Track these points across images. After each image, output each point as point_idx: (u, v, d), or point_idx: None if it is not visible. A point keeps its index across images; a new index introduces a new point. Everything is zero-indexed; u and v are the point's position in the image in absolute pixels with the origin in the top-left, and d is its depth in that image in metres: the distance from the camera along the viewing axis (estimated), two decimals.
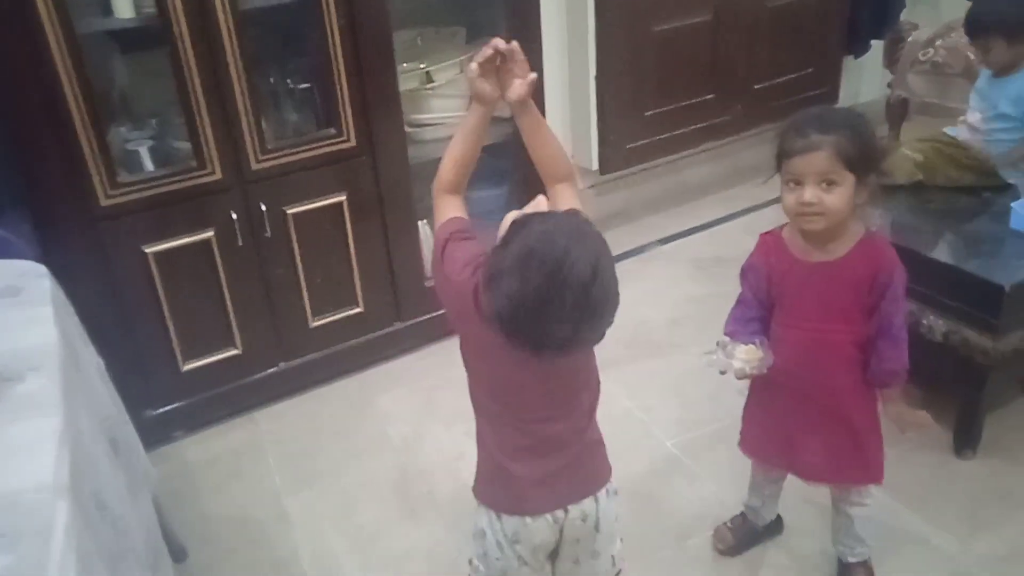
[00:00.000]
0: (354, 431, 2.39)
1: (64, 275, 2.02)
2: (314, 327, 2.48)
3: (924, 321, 2.04)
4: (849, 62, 3.79)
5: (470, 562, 1.41)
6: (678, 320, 2.75)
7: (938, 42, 3.21)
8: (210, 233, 2.23)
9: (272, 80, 2.33)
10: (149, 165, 2.20)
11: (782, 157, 1.47)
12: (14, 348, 1.18)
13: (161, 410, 2.34)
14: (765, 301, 1.62)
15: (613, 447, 2.19)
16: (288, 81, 2.33)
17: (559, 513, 1.31)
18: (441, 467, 2.20)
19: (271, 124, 2.31)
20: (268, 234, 2.30)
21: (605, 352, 2.13)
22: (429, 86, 2.56)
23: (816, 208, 1.43)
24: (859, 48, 3.73)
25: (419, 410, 2.40)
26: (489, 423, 1.32)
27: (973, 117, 2.36)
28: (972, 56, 2.30)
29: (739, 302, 1.65)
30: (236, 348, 2.39)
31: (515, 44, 1.29)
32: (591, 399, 1.34)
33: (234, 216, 2.23)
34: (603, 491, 1.36)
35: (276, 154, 2.24)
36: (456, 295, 1.23)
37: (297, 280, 2.40)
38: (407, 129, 2.51)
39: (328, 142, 2.31)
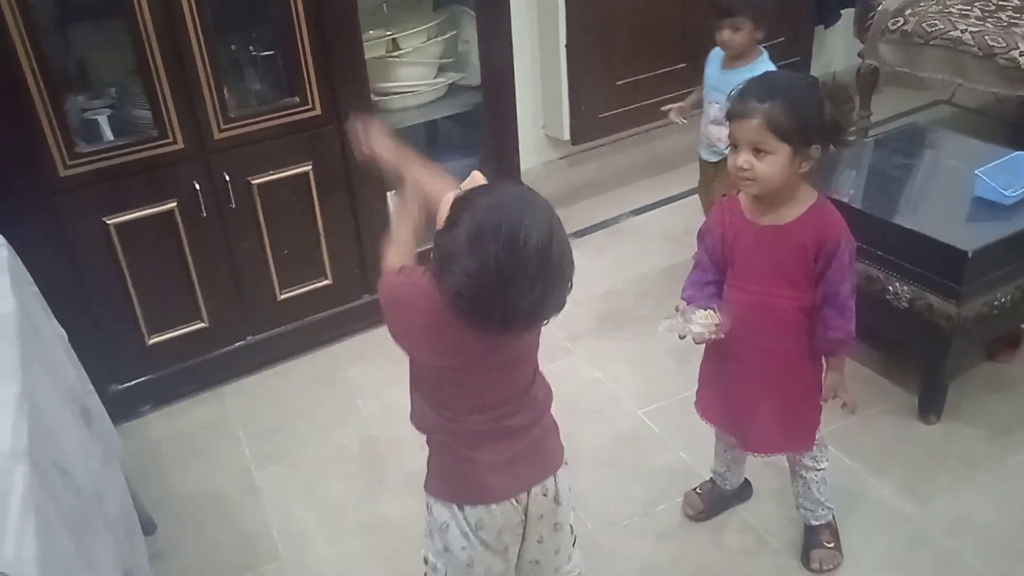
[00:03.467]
0: (323, 404, 2.37)
1: (23, 248, 1.97)
2: (282, 300, 2.45)
3: (890, 287, 2.06)
4: (821, 31, 3.79)
5: (425, 560, 1.38)
6: (647, 291, 2.75)
7: (907, 11, 3.21)
8: (173, 204, 2.19)
9: (234, 48, 2.28)
10: (108, 134, 2.15)
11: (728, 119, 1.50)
12: None
13: (127, 384, 2.31)
14: (720, 264, 1.64)
15: (583, 417, 2.23)
16: (251, 48, 2.28)
17: (522, 496, 1.31)
18: (410, 439, 2.14)
19: (234, 92, 2.26)
20: (233, 205, 2.26)
21: (574, 323, 2.09)
22: (395, 54, 2.52)
23: (748, 173, 1.46)
24: (828, 17, 3.73)
25: (388, 383, 2.39)
26: (446, 422, 1.29)
27: (714, 110, 2.41)
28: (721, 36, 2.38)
29: (695, 266, 1.67)
30: (203, 321, 2.36)
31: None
32: (544, 392, 1.33)
33: (197, 186, 2.19)
34: (561, 468, 1.36)
35: (239, 123, 2.20)
36: (408, 308, 1.21)
37: (264, 252, 2.37)
38: (373, 98, 2.48)
39: (292, 111, 2.26)
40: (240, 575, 1.87)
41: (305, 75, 2.24)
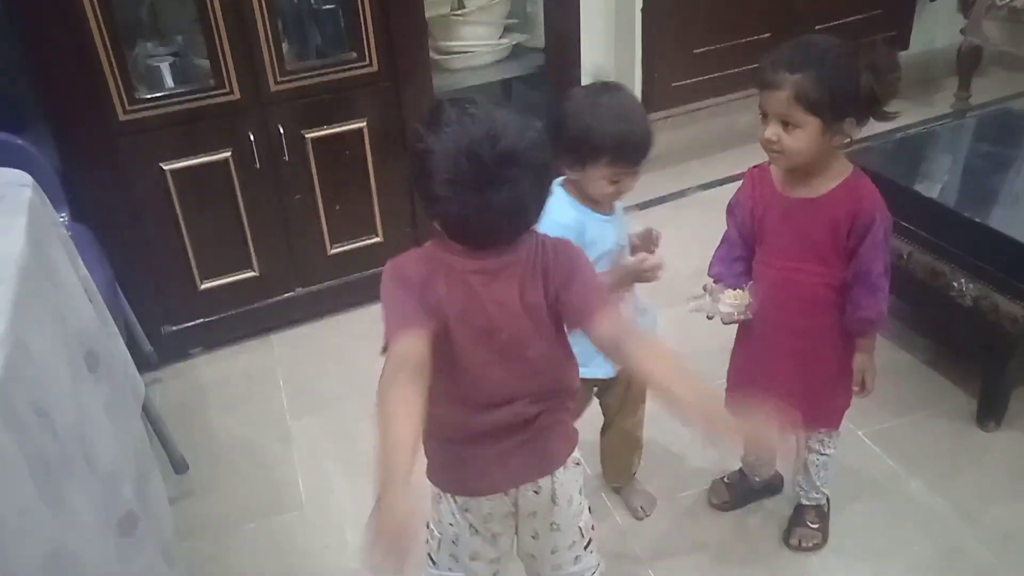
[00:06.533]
0: (365, 361, 2.33)
1: (84, 188, 2.08)
2: (332, 254, 2.48)
3: (955, 283, 1.92)
4: (925, 4, 3.54)
5: (427, 525, 1.38)
6: (707, 269, 2.66)
7: None
8: (227, 154, 2.22)
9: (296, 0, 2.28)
10: (170, 82, 2.19)
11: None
12: None
13: (178, 327, 2.38)
14: (750, 239, 1.56)
15: None
16: (311, 1, 2.28)
17: (511, 490, 1.26)
18: None
19: (293, 45, 2.27)
20: (286, 158, 2.28)
21: None
22: (460, 12, 2.48)
23: (776, 147, 1.39)
24: None
25: None
26: (447, 410, 1.23)
27: None
28: None
29: (724, 240, 1.61)
30: (253, 270, 2.41)
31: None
32: (560, 389, 1.26)
33: (252, 137, 2.22)
34: (560, 468, 1.29)
35: (295, 76, 2.21)
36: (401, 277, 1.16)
37: (315, 206, 2.39)
38: (434, 56, 2.45)
39: (349, 66, 2.26)
40: (262, 520, 1.91)
41: (363, 30, 2.22)
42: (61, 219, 1.98)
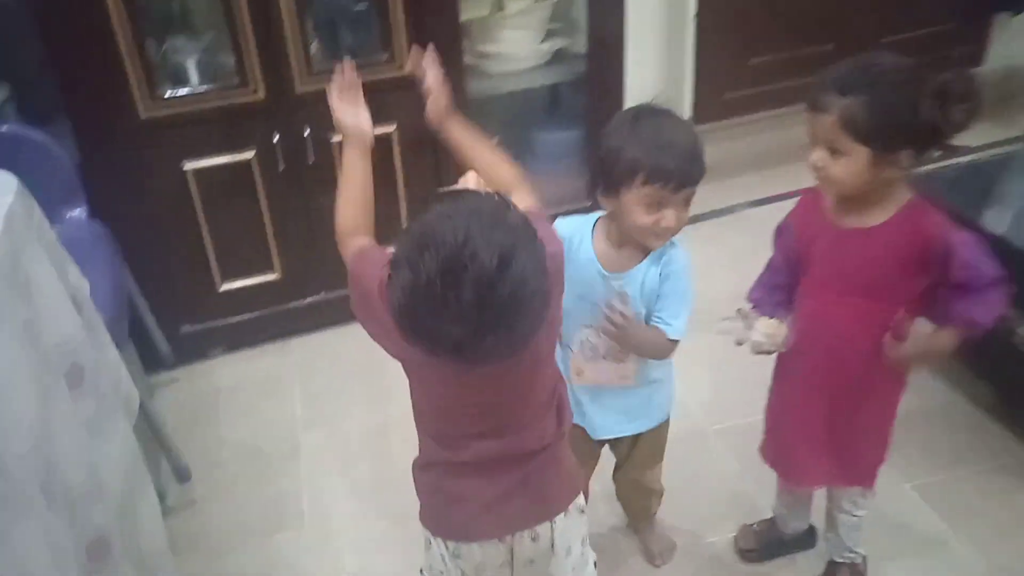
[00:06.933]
0: (384, 373, 2.28)
1: (104, 184, 2.04)
2: None
3: (1019, 331, 1.75)
4: (1006, 19, 3.32)
5: (420, 572, 1.30)
6: (746, 295, 2.51)
7: None
8: (250, 155, 2.16)
9: None
10: (195, 79, 2.14)
11: None
12: None
13: (197, 327, 2.33)
14: (796, 267, 1.42)
15: None
16: (342, 0, 2.20)
17: (506, 536, 1.17)
18: None
19: (324, 45, 2.19)
20: (311, 161, 2.21)
21: None
22: (498, 15, 2.38)
23: (822, 173, 1.26)
24: (1019, 3, 3.25)
25: None
26: (434, 442, 1.16)
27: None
28: None
29: (768, 266, 1.48)
30: (275, 273, 2.34)
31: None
32: (555, 423, 1.16)
33: (276, 139, 2.15)
34: (561, 515, 1.19)
35: (323, 77, 2.13)
36: (376, 315, 1.06)
37: None
38: (472, 60, 2.36)
39: (380, 68, 2.17)
40: (261, 537, 1.85)
41: (394, 31, 2.13)
42: (76, 214, 1.96)
